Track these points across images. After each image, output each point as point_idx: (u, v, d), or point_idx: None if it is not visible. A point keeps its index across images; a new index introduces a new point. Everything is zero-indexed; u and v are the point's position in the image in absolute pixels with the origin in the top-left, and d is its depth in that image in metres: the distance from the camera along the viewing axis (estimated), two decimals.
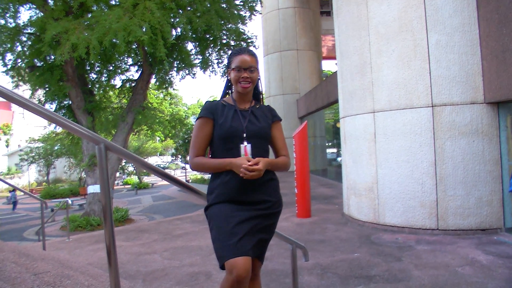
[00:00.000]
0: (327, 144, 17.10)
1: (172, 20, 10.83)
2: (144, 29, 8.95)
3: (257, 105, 2.10)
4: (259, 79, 2.08)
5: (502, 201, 5.43)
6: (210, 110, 2.00)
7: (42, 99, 12.55)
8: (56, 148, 26.21)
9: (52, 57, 10.99)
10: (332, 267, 4.34)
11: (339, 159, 14.84)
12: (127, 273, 4.53)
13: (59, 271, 2.60)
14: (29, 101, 1.42)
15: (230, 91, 2.13)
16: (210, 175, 2.02)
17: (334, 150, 15.70)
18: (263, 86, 2.22)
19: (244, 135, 1.93)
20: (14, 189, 23.00)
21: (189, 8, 10.81)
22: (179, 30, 12.13)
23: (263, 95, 2.20)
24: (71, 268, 3.19)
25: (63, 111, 13.01)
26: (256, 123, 2.00)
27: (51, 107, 12.91)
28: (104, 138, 1.57)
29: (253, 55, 2.00)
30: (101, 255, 5.57)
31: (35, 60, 11.37)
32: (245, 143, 1.92)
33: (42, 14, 10.34)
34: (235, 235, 1.79)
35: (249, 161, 1.83)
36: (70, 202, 7.02)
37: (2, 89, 1.33)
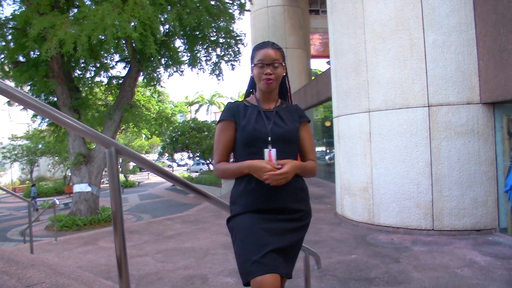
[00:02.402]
0: (316, 142, 17.09)
1: (161, 16, 10.63)
2: (133, 25, 8.74)
3: (283, 104, 1.93)
4: (285, 75, 1.92)
5: (497, 202, 5.44)
6: (231, 112, 1.85)
7: None
8: (40, 146, 25.62)
9: (37, 52, 10.69)
10: (331, 269, 4.26)
11: (327, 157, 14.85)
12: None
13: (52, 280, 2.45)
14: (33, 99, 1.28)
15: (253, 90, 1.96)
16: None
17: (323, 148, 15.69)
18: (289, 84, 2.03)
19: (269, 138, 1.76)
20: (33, 184, 22.76)
21: (178, 5, 10.62)
22: (167, 26, 11.94)
23: (291, 93, 2.04)
24: (63, 275, 3.04)
25: None
26: (282, 125, 1.82)
27: None
28: (115, 141, 1.44)
29: (278, 49, 1.83)
30: (90, 257, 5.40)
31: (19, 55, 11.03)
32: (270, 147, 1.75)
33: (26, 8, 10.01)
34: (263, 249, 1.63)
35: (271, 165, 1.69)
36: (57, 202, 6.80)
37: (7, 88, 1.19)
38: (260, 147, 1.76)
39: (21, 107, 12.60)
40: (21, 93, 1.24)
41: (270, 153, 1.74)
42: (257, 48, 1.84)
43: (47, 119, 13.29)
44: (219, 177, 1.84)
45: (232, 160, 1.90)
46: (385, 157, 5.89)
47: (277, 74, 1.81)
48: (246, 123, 1.79)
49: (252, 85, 1.97)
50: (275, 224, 1.72)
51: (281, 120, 1.84)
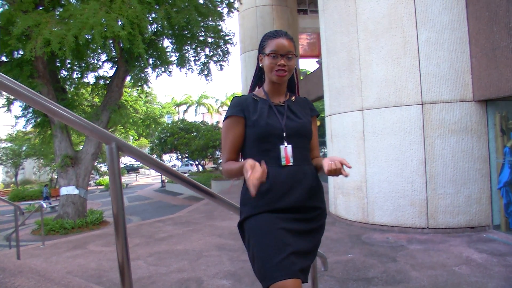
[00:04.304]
0: None
1: (149, 15, 10.46)
2: (121, 24, 8.57)
3: (292, 97, 1.82)
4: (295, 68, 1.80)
5: (490, 199, 5.45)
6: (240, 107, 1.71)
7: (11, 97, 11.88)
8: (24, 148, 25.09)
9: (20, 52, 10.42)
10: (328, 270, 4.19)
11: None
12: (111, 282, 4.25)
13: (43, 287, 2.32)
14: (26, 88, 1.17)
15: (260, 83, 1.86)
16: None
17: None
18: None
19: (284, 134, 1.65)
20: (45, 184, 22.43)
21: (167, 4, 10.45)
22: (155, 26, 11.77)
23: (299, 86, 1.94)
24: (53, 281, 2.90)
25: (31, 109, 12.40)
26: (295, 119, 1.72)
27: (20, 105, 12.28)
28: (116, 136, 1.33)
29: (291, 39, 1.72)
30: (80, 262, 5.24)
31: (2, 55, 10.73)
32: (285, 143, 1.66)
33: (9, 5, 9.74)
34: (284, 251, 1.50)
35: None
36: (44, 205, 6.59)
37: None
38: (274, 143, 1.65)
39: (5, 108, 12.30)
40: (13, 81, 1.12)
41: (286, 149, 1.64)
42: (269, 37, 1.73)
43: (33, 121, 13.00)
44: (227, 177, 1.72)
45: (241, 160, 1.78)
46: (379, 155, 5.86)
47: (291, 66, 1.71)
48: (257, 117, 1.68)
49: (258, 76, 1.86)
50: (293, 225, 1.61)
51: (294, 114, 1.74)
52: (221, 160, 1.83)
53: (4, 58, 11.07)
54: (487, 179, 5.43)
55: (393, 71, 5.64)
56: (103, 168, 30.89)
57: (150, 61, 12.43)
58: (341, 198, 6.62)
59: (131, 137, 37.55)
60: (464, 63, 5.36)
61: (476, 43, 5.22)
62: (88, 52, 11.60)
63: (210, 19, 11.99)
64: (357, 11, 5.98)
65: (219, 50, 13.49)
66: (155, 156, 25.48)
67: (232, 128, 1.72)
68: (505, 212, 5.28)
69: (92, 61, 13.11)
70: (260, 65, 1.79)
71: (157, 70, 13.06)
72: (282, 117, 1.70)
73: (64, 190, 11.70)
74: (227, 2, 12.58)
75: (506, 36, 4.67)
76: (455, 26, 5.35)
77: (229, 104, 1.85)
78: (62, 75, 13.09)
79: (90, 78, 22.69)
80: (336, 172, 1.50)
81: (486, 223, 5.45)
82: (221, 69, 13.92)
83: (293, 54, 1.71)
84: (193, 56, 13.50)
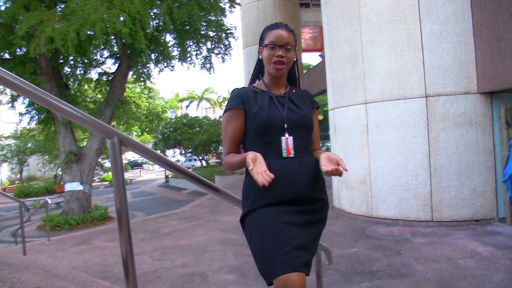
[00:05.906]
0: None
1: (151, 10, 10.44)
2: (122, 19, 8.55)
3: (293, 89, 1.81)
4: (295, 61, 1.79)
5: (495, 192, 5.42)
6: (240, 99, 1.70)
7: (15, 94, 11.93)
8: (29, 145, 25.19)
9: (23, 49, 10.43)
10: (333, 264, 4.19)
11: None
12: (116, 277, 4.27)
13: (48, 283, 2.34)
14: (27, 83, 1.16)
15: (261, 75, 1.85)
16: None
17: None
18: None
19: (285, 125, 1.64)
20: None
21: None
22: (156, 21, 11.75)
23: (300, 80, 1.93)
24: (59, 277, 2.93)
25: (34, 106, 12.44)
26: (296, 110, 1.70)
27: (24, 102, 12.31)
28: (118, 131, 1.32)
29: (291, 31, 1.71)
30: (85, 257, 5.27)
31: (5, 52, 10.75)
32: (287, 135, 1.64)
33: (12, 3, 9.74)
34: (287, 245, 1.49)
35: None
36: (49, 202, 6.62)
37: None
38: (276, 135, 1.64)
39: (9, 105, 12.35)
40: (15, 77, 1.11)
41: (287, 141, 1.64)
42: (269, 29, 1.72)
43: (36, 117, 13.04)
44: (228, 170, 1.72)
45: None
46: (383, 149, 5.84)
47: (289, 58, 1.69)
48: (258, 110, 1.67)
49: (259, 69, 1.85)
50: (295, 217, 1.60)
51: (295, 105, 1.73)
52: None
53: (7, 55, 11.09)
54: (492, 171, 5.40)
55: (396, 63, 5.60)
56: (107, 164, 31.00)
57: (152, 56, 12.43)
58: (345, 192, 6.61)
59: (135, 133, 37.64)
60: (468, 55, 5.31)
61: (481, 34, 5.17)
62: (91, 48, 11.61)
63: (212, 14, 11.95)
64: (359, 4, 5.93)
65: (221, 43, 13.47)
66: (158, 151, 25.52)
67: (232, 121, 1.71)
68: (510, 205, 5.25)
69: (95, 57, 13.12)
70: (260, 57, 1.78)
71: (159, 65, 13.08)
72: (283, 109, 1.69)
73: (69, 186, 11.76)
74: None
75: (511, 27, 4.62)
76: (459, 17, 5.29)
77: None
78: (65, 71, 13.12)
79: (93, 74, 22.71)
80: (332, 174, 1.49)
81: (491, 216, 5.43)
82: (223, 61, 13.91)
83: (292, 46, 1.69)
84: (194, 50, 13.49)
